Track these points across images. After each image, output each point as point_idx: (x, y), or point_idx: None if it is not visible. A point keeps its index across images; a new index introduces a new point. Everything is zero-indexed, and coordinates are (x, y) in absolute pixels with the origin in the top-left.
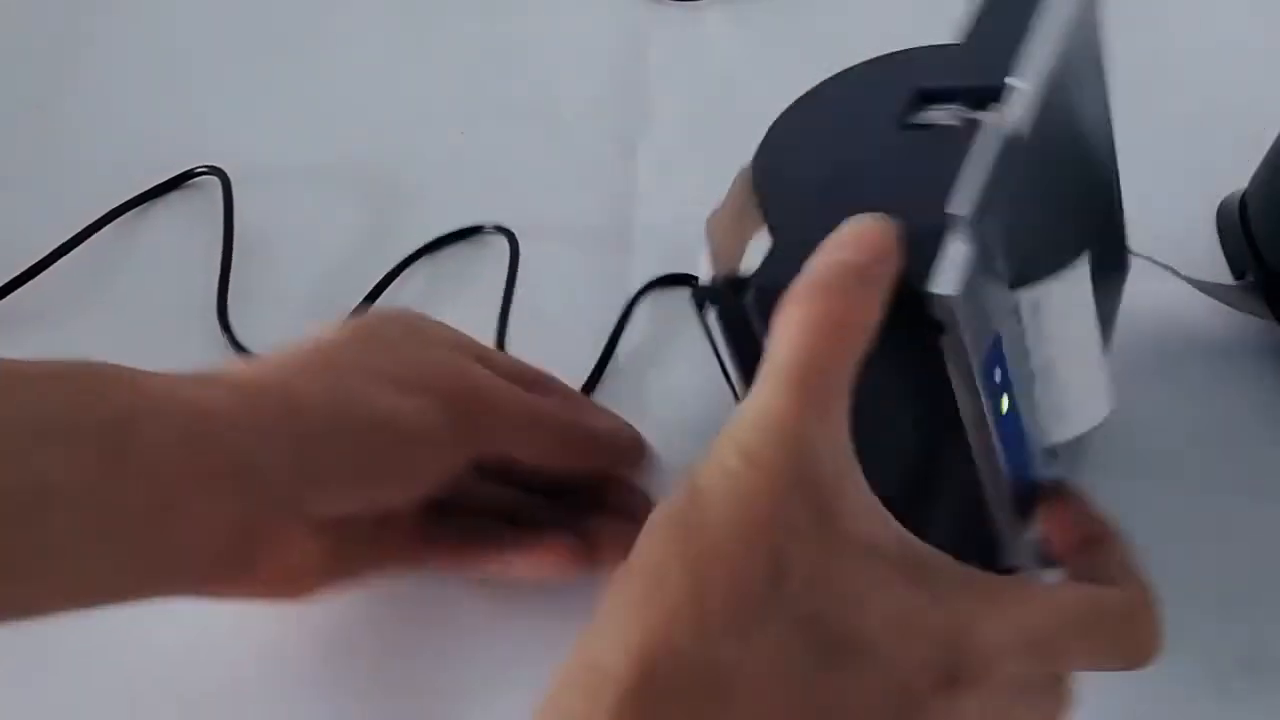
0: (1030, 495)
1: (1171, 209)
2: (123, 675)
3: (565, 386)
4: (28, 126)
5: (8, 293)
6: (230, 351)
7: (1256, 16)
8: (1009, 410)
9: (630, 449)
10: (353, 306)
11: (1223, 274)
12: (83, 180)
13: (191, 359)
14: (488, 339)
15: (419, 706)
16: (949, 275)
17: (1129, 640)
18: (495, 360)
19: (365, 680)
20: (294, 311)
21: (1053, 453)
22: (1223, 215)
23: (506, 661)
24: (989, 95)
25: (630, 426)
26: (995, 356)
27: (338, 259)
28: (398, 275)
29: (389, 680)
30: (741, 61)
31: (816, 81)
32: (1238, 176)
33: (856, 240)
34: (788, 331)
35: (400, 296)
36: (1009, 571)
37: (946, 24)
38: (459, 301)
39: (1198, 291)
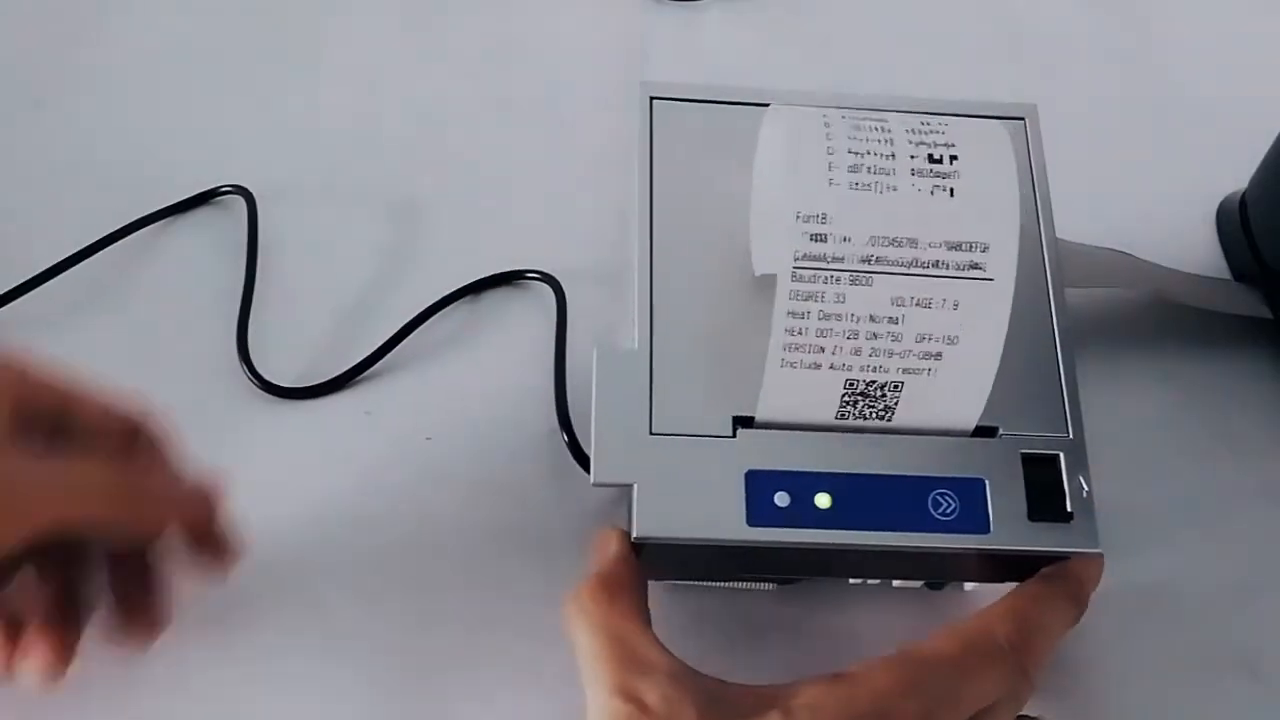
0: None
1: (1171, 209)
2: (119, 671)
3: (149, 432)
4: (51, 132)
5: (19, 295)
6: (242, 370)
7: (1257, 16)
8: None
9: (192, 504)
10: (373, 338)
11: (1223, 274)
12: (104, 191)
13: (201, 376)
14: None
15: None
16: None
17: None
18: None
19: (360, 681)
20: (311, 339)
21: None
22: (1223, 215)
23: (500, 664)
24: None
25: (204, 482)
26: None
27: (358, 283)
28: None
29: (383, 682)
30: (741, 61)
31: (816, 81)
32: (1238, 176)
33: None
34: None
35: (435, 332)
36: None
37: (944, 25)
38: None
39: (1197, 291)
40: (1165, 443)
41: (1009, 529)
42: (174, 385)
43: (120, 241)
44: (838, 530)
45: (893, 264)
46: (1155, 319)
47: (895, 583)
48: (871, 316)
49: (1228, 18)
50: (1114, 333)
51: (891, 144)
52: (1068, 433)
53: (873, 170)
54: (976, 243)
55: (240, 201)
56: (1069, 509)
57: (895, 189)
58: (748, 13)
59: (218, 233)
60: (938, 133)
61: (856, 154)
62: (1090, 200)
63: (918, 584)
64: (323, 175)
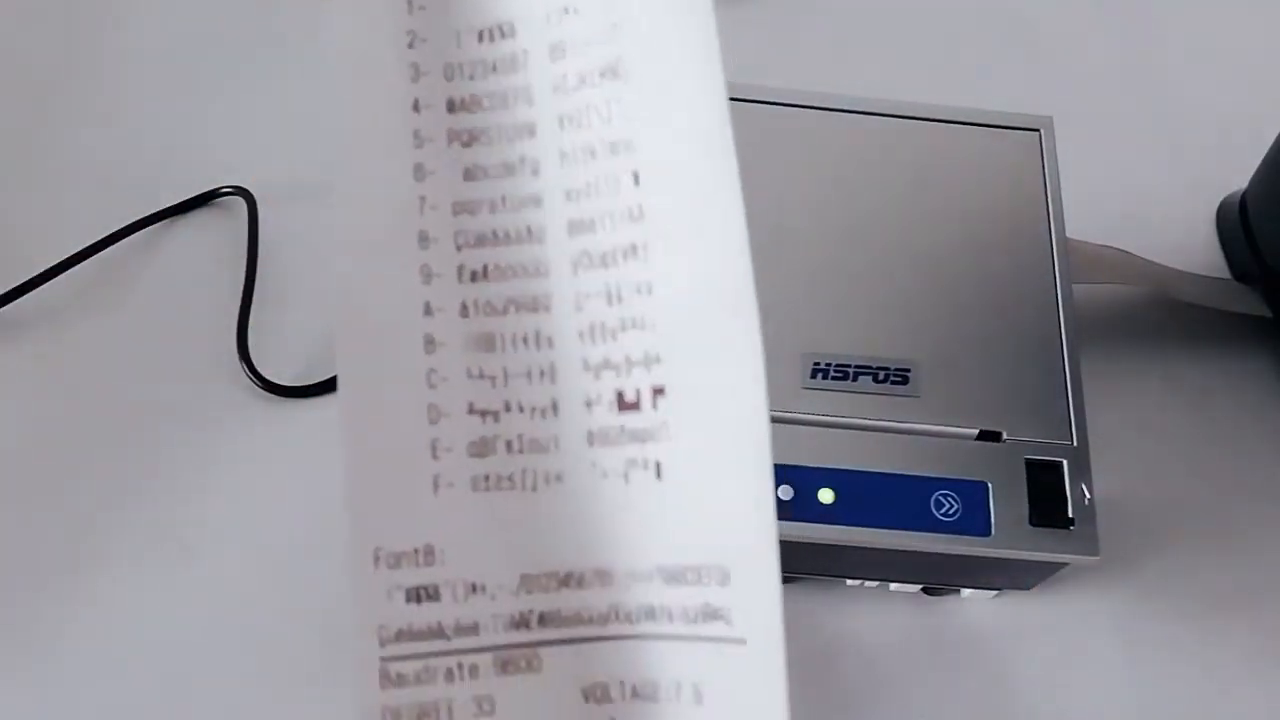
0: None
1: (1171, 209)
2: (117, 672)
3: None
4: (51, 132)
5: (20, 295)
6: (242, 370)
7: (1256, 17)
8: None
9: None
10: None
11: (1223, 274)
12: (104, 191)
13: (201, 377)
14: None
15: None
16: None
17: None
18: None
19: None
20: (311, 339)
21: None
22: (1223, 215)
23: None
24: None
25: None
26: None
27: None
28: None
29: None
30: (742, 61)
31: (816, 82)
32: (1238, 176)
33: None
34: None
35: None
36: None
37: (945, 25)
38: None
39: (1197, 290)
40: (1165, 443)
41: (1010, 533)
42: (174, 385)
43: (120, 241)
44: (839, 526)
45: (568, 623)
46: (1155, 319)
47: (892, 586)
48: None
49: (1228, 19)
50: (1114, 332)
51: (553, 377)
52: (1072, 440)
53: (516, 447)
54: (709, 567)
55: (240, 202)
56: (1070, 516)
57: (560, 478)
58: (748, 13)
59: (218, 233)
60: (635, 328)
61: (484, 413)
62: (1091, 199)
63: (915, 588)
64: (323, 175)
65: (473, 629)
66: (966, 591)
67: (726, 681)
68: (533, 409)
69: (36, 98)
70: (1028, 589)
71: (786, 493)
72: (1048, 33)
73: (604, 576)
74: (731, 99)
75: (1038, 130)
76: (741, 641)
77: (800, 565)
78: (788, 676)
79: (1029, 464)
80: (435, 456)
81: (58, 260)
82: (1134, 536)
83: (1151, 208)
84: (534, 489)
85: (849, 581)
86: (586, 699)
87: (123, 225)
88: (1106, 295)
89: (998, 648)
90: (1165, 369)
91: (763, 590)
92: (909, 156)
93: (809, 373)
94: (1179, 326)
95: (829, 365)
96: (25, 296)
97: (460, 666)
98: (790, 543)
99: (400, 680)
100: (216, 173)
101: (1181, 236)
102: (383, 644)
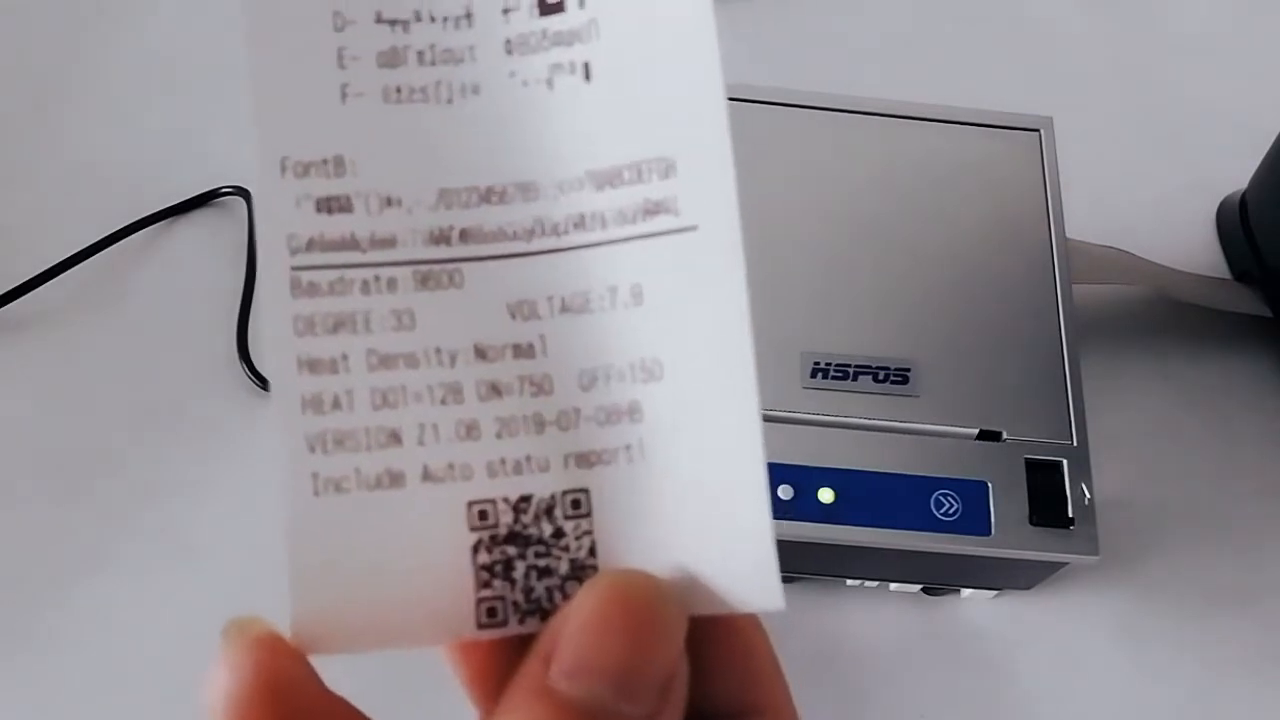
0: None
1: (1171, 209)
2: (117, 671)
3: None
4: (52, 133)
5: (20, 295)
6: (242, 370)
7: (1256, 17)
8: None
9: None
10: None
11: (1223, 274)
12: (104, 191)
13: (201, 376)
14: None
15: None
16: None
17: None
18: None
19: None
20: None
21: None
22: (1223, 215)
23: None
24: None
25: None
26: None
27: None
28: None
29: (385, 676)
30: (741, 61)
31: (816, 82)
32: (1238, 176)
33: None
34: None
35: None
36: None
37: (945, 24)
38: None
39: (1197, 290)
40: (1165, 443)
41: (1010, 533)
42: (174, 385)
43: (120, 241)
44: (840, 525)
45: (491, 239)
46: (1156, 319)
47: (893, 586)
48: (478, 351)
49: (1228, 19)
50: (1114, 332)
51: None
52: (1072, 440)
53: (428, 56)
54: (649, 161)
55: (240, 202)
56: (1070, 516)
57: (476, 90)
58: (748, 13)
59: (218, 233)
60: None
61: (392, 22)
62: (1092, 199)
63: (915, 588)
64: None
65: (389, 242)
66: (966, 591)
67: (674, 273)
68: (445, 18)
69: (36, 98)
70: (1028, 589)
71: (786, 493)
72: (1048, 33)
73: (527, 190)
74: (731, 99)
75: (1038, 130)
76: (693, 228)
77: (800, 565)
78: (743, 273)
79: (1029, 464)
80: (342, 65)
81: (58, 260)
82: (1134, 536)
83: (1151, 208)
84: (449, 101)
85: (849, 581)
86: (513, 316)
87: (123, 225)
88: (1106, 295)
89: (998, 648)
90: (1165, 369)
91: (716, 175)
92: (909, 156)
93: (809, 373)
94: (1179, 326)
95: (829, 365)
96: (25, 296)
97: (377, 279)
98: (790, 543)
99: (313, 289)
100: (216, 173)
101: (1181, 236)
102: (293, 253)
